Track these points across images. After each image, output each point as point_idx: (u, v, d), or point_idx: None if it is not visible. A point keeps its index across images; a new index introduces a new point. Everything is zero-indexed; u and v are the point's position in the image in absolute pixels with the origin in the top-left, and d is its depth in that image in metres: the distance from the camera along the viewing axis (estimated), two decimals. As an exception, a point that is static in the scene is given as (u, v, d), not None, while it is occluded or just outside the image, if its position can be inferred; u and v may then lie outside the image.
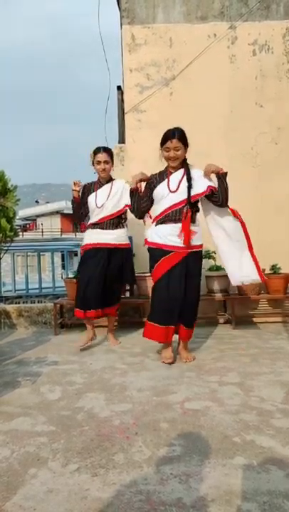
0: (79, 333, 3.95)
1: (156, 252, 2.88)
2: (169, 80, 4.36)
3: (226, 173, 2.85)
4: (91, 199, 3.40)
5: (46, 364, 2.92)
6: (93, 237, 3.40)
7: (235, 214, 2.95)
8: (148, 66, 4.36)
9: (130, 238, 4.32)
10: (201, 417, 1.96)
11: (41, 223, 37.55)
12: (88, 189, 3.46)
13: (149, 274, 3.29)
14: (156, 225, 2.92)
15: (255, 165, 4.39)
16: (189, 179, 2.82)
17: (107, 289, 3.36)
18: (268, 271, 4.15)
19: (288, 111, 4.39)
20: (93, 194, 3.41)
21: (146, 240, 2.98)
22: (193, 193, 2.81)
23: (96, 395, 2.30)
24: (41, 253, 5.10)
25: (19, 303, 4.93)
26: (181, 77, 4.35)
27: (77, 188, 3.42)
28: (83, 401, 2.21)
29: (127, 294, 4.29)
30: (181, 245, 2.80)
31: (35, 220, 40.12)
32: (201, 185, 2.84)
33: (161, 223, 2.88)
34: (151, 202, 2.98)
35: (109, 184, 3.42)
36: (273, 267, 4.13)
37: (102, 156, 3.35)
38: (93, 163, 3.40)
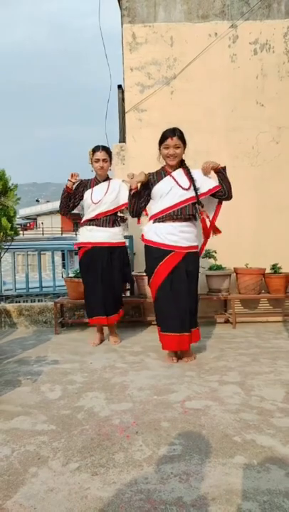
0: (79, 332, 3.96)
1: (154, 251, 2.87)
2: (169, 79, 4.35)
3: (224, 168, 2.84)
4: (87, 195, 3.39)
5: (47, 363, 2.92)
6: (88, 234, 3.39)
7: (215, 218, 3.00)
8: (149, 65, 4.35)
9: (130, 237, 4.33)
10: (201, 416, 1.96)
11: (42, 222, 37.56)
12: (84, 185, 3.45)
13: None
14: (153, 223, 2.90)
15: (255, 164, 4.38)
16: (193, 178, 2.83)
17: (112, 291, 3.38)
18: (268, 270, 4.15)
19: (289, 110, 4.39)
20: (89, 190, 3.39)
21: (142, 236, 2.97)
22: (199, 192, 2.82)
23: (96, 394, 2.30)
24: (42, 252, 5.10)
25: (20, 302, 4.94)
26: (182, 76, 4.34)
27: (73, 180, 3.36)
28: (83, 400, 2.21)
29: (127, 294, 4.30)
30: (180, 245, 2.80)
31: (36, 219, 40.13)
32: (205, 185, 2.84)
33: (160, 221, 2.87)
34: (148, 200, 2.97)
35: (106, 182, 3.42)
36: (274, 267, 4.12)
37: (100, 154, 3.34)
38: (91, 162, 3.40)
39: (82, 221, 3.48)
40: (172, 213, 2.83)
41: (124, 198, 3.34)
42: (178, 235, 2.82)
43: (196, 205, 2.88)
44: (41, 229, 34.01)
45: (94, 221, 3.39)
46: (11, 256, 4.88)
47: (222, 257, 4.11)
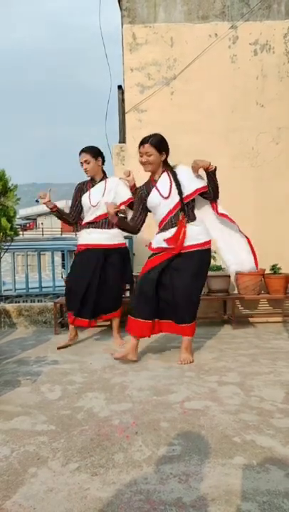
0: (79, 332, 3.96)
1: (153, 254, 2.94)
2: (169, 79, 4.36)
3: (214, 169, 2.78)
4: (85, 198, 3.38)
5: (46, 363, 2.92)
6: (87, 237, 3.39)
7: (217, 209, 2.96)
8: (149, 65, 4.36)
9: (130, 238, 4.33)
10: (201, 417, 1.96)
11: (41, 222, 37.54)
12: (81, 189, 3.45)
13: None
14: (157, 234, 2.95)
15: (255, 165, 4.39)
16: (177, 182, 2.82)
17: (103, 294, 3.35)
18: (268, 271, 4.15)
19: (289, 111, 4.39)
20: (87, 193, 3.39)
21: (150, 245, 3.01)
22: (185, 193, 2.81)
23: (96, 394, 2.30)
24: (41, 252, 5.10)
25: (19, 302, 4.93)
26: (182, 77, 4.35)
27: (46, 200, 3.28)
28: (83, 400, 2.21)
29: (127, 294, 4.29)
30: (170, 246, 2.82)
31: (36, 219, 40.11)
32: (191, 185, 2.83)
33: (161, 232, 2.91)
34: (146, 214, 3.01)
35: (102, 182, 3.40)
36: (273, 267, 4.13)
37: (81, 157, 3.35)
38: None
39: (82, 223, 3.49)
40: (167, 224, 2.87)
41: (122, 197, 3.33)
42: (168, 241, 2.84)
43: (192, 203, 2.88)
44: (41, 229, 34.00)
45: (93, 223, 3.39)
46: (11, 256, 4.88)
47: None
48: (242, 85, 4.37)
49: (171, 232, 2.84)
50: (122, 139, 4.76)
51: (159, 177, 2.88)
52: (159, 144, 2.82)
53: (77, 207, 3.47)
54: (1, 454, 1.68)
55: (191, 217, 2.87)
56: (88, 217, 3.40)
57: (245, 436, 1.77)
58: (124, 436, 1.79)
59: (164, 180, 2.87)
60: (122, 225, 2.99)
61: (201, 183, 2.84)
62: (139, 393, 2.29)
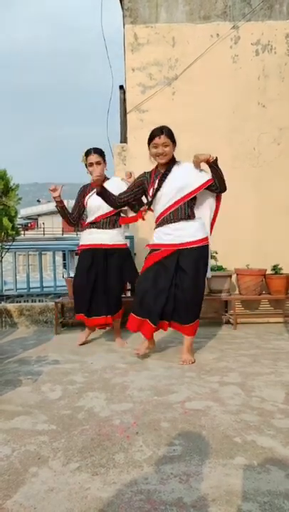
0: (80, 332, 3.96)
1: (151, 251, 2.94)
2: (171, 79, 4.36)
3: (216, 160, 2.77)
4: (87, 200, 3.42)
5: (47, 363, 2.92)
6: (88, 237, 3.42)
7: (215, 215, 2.98)
8: (150, 66, 4.36)
9: (132, 238, 4.34)
10: (201, 417, 1.96)
11: (43, 222, 37.55)
12: (84, 192, 3.48)
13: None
14: (155, 228, 2.95)
15: (257, 165, 4.38)
16: (180, 177, 2.82)
17: (107, 293, 3.36)
18: (269, 271, 4.15)
19: (291, 111, 4.38)
20: (89, 195, 3.42)
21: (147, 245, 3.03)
22: (187, 191, 2.80)
23: (97, 394, 2.30)
24: (43, 252, 5.10)
25: (20, 302, 4.94)
26: (184, 77, 4.35)
27: (56, 195, 3.31)
28: (84, 400, 2.21)
29: (128, 294, 4.29)
30: (167, 242, 2.82)
31: (37, 219, 40.13)
32: (195, 181, 2.82)
33: (159, 226, 2.91)
34: (132, 198, 3.01)
35: (104, 183, 3.41)
36: (274, 268, 4.12)
37: (92, 158, 3.35)
38: (86, 165, 3.40)
39: (84, 224, 3.51)
40: (166, 218, 2.85)
41: None
42: (172, 234, 2.83)
43: (193, 201, 2.89)
44: (42, 229, 34.03)
45: (94, 224, 3.41)
46: (12, 256, 4.88)
47: (223, 258, 4.11)
48: (243, 85, 4.37)
49: (170, 227, 2.83)
50: (124, 139, 4.77)
51: (166, 170, 2.87)
52: (172, 135, 2.84)
53: (79, 209, 3.49)
54: (2, 453, 1.68)
55: (191, 215, 2.86)
56: (90, 217, 3.44)
57: (246, 437, 1.76)
58: (124, 436, 1.79)
59: (169, 174, 2.85)
60: (104, 195, 2.99)
61: (205, 177, 2.83)
62: (139, 393, 2.29)
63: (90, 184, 3.46)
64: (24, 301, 5.08)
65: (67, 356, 3.10)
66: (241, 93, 4.37)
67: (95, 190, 3.38)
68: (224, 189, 2.87)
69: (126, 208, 3.31)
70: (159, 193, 2.85)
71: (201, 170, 2.84)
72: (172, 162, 2.89)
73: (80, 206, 3.50)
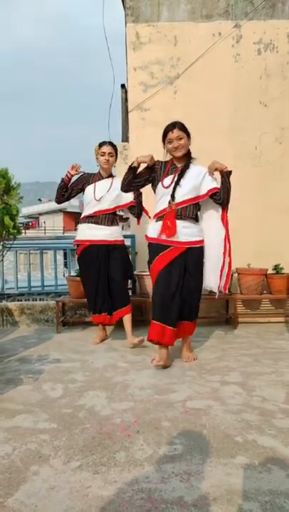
0: (81, 331, 3.96)
1: (154, 247, 2.87)
2: (173, 78, 4.35)
3: (230, 172, 2.81)
4: (89, 190, 3.38)
5: (48, 362, 2.92)
6: (87, 232, 3.39)
7: (225, 222, 2.89)
8: (152, 64, 4.35)
9: (133, 237, 4.33)
10: (202, 416, 1.96)
11: (44, 221, 37.57)
12: (87, 179, 3.44)
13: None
14: (156, 221, 2.90)
15: (258, 165, 4.37)
16: (195, 178, 2.80)
17: (112, 289, 3.37)
18: (270, 271, 4.14)
19: (292, 110, 4.38)
20: (92, 185, 3.38)
21: (146, 235, 2.97)
22: (196, 194, 2.80)
23: (98, 393, 2.30)
24: (44, 251, 5.10)
25: (21, 300, 4.94)
26: (186, 76, 4.34)
27: (73, 172, 3.39)
28: (85, 399, 2.21)
29: (129, 293, 4.30)
30: (179, 240, 2.79)
31: (38, 218, 40.14)
32: (204, 186, 2.82)
33: (162, 219, 2.86)
34: (144, 185, 2.97)
35: (109, 179, 3.41)
36: (276, 267, 4.12)
37: (107, 148, 3.36)
38: (97, 156, 3.39)
39: (81, 217, 3.49)
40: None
41: (126, 198, 3.33)
42: (178, 231, 2.81)
43: (199, 203, 2.87)
44: (43, 228, 34.05)
45: (93, 218, 3.38)
46: (13, 255, 4.88)
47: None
48: (245, 85, 4.36)
49: (177, 224, 2.79)
50: (125, 138, 4.76)
51: (184, 166, 2.84)
52: (185, 128, 2.83)
53: (72, 190, 3.47)
54: (3, 451, 1.68)
55: (195, 217, 2.87)
56: (88, 210, 3.39)
57: (247, 436, 1.76)
58: (125, 434, 1.79)
59: (186, 172, 2.82)
60: (134, 171, 2.89)
61: (214, 184, 2.84)
62: (140, 392, 2.29)
63: (93, 174, 3.46)
64: (25, 300, 5.08)
65: (68, 355, 3.10)
66: (243, 92, 4.36)
67: (98, 182, 3.37)
68: (227, 202, 2.86)
69: (124, 212, 3.32)
70: (177, 187, 2.80)
71: (215, 178, 2.85)
72: (189, 157, 2.88)
73: (75, 189, 3.45)
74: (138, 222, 3.42)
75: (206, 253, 2.90)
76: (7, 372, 2.69)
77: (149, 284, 3.80)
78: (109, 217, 3.39)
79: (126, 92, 4.71)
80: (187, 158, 2.88)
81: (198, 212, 2.93)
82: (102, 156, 3.36)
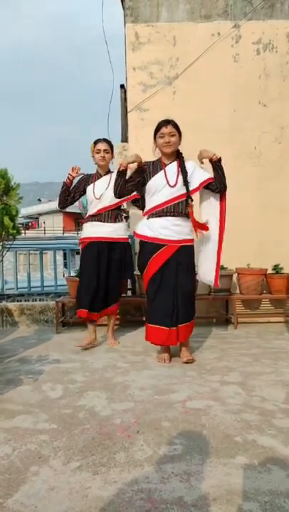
0: (81, 332, 3.96)
1: (147, 246, 2.87)
2: (172, 78, 4.35)
3: (219, 159, 2.81)
4: (89, 190, 3.40)
5: (48, 362, 2.92)
6: (91, 230, 3.39)
7: (222, 217, 2.92)
8: (151, 65, 4.35)
9: (131, 236, 4.33)
10: (202, 416, 1.96)
11: (43, 221, 37.56)
12: (86, 180, 3.45)
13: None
14: (148, 219, 2.90)
15: (258, 164, 4.38)
16: (185, 172, 2.81)
17: (108, 287, 3.37)
18: (270, 271, 4.14)
19: (292, 110, 4.38)
20: (91, 185, 3.40)
21: (134, 232, 2.97)
22: (190, 187, 2.81)
23: (97, 393, 2.30)
24: (43, 251, 5.11)
25: (21, 301, 4.94)
26: (185, 76, 4.34)
27: (74, 174, 3.40)
28: (85, 399, 2.21)
29: (129, 293, 4.30)
30: (173, 238, 2.80)
31: (38, 218, 40.14)
32: (197, 178, 2.83)
33: (155, 217, 2.86)
34: (137, 187, 2.96)
35: (108, 175, 3.41)
36: (276, 267, 4.12)
37: (102, 145, 3.37)
38: (93, 154, 3.40)
39: (86, 217, 3.50)
40: (165, 209, 2.83)
41: None
42: (171, 229, 2.81)
43: (188, 201, 2.86)
44: (43, 228, 34.04)
45: (96, 216, 3.39)
46: (13, 255, 4.88)
47: (223, 257, 4.07)
48: (244, 85, 4.36)
49: (169, 220, 2.81)
50: (125, 138, 4.76)
51: (170, 162, 2.87)
52: (178, 127, 2.85)
53: (75, 193, 3.48)
54: (3, 452, 1.68)
55: (186, 214, 2.86)
56: (92, 209, 3.41)
57: (247, 436, 1.76)
58: (125, 435, 1.79)
59: (174, 168, 2.85)
60: (123, 174, 2.89)
61: (205, 175, 2.85)
62: (140, 392, 2.29)
63: (92, 174, 3.46)
64: (25, 301, 5.08)
65: (68, 355, 3.10)
66: (242, 92, 4.36)
67: (97, 181, 3.37)
68: (224, 188, 2.87)
69: (127, 204, 3.31)
70: (159, 186, 2.82)
71: (204, 169, 2.85)
72: (177, 155, 2.89)
73: (76, 192, 3.47)
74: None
75: (203, 244, 2.94)
76: (7, 373, 2.69)
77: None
78: (113, 214, 3.38)
79: (125, 92, 4.71)
80: (176, 155, 2.89)
81: (202, 213, 2.92)
82: (97, 153, 3.37)
